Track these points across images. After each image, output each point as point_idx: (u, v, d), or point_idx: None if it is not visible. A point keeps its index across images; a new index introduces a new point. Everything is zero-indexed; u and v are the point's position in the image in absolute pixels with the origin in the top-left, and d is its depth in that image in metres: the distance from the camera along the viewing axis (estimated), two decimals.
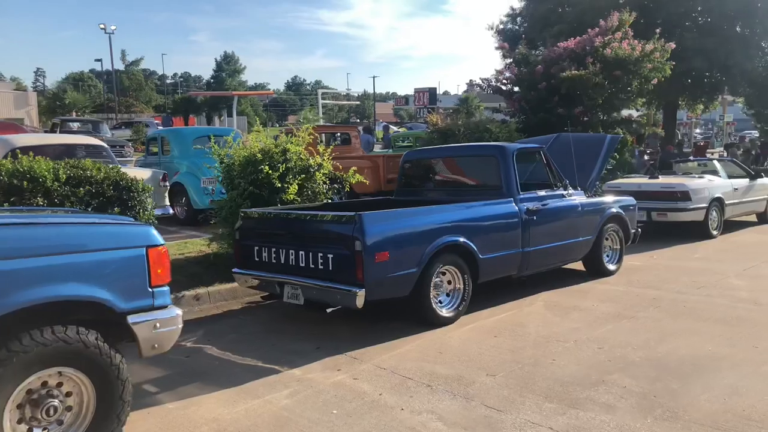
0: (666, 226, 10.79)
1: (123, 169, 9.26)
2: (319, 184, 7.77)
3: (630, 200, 8.24)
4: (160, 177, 9.19)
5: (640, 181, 11.01)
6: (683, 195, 10.25)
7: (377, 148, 18.78)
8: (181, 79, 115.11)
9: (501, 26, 25.68)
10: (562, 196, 7.09)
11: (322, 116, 31.29)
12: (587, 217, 7.35)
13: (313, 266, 5.52)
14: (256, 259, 6.10)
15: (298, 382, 4.52)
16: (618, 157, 12.84)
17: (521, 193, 6.63)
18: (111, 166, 6.42)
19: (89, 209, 5.98)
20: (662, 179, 10.87)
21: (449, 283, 5.95)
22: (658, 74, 12.47)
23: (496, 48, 12.76)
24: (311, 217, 5.64)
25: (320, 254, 5.44)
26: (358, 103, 40.47)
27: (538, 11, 19.80)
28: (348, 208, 6.57)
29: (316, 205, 7.00)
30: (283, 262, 5.80)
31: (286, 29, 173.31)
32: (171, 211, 9.19)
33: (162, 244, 3.57)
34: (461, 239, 5.83)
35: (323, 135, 14.19)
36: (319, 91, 34.61)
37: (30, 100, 32.74)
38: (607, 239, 7.87)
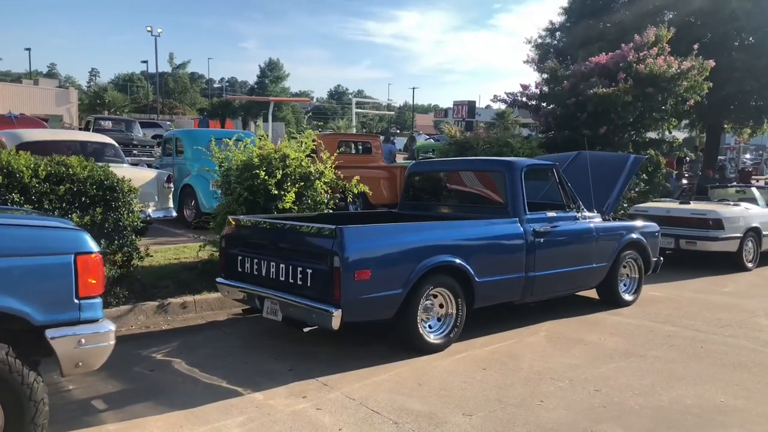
0: (695, 256, 10.12)
1: (128, 169, 9.13)
2: (319, 193, 7.42)
3: (652, 226, 7.66)
4: (165, 178, 8.97)
5: (669, 205, 10.36)
6: (715, 223, 9.58)
7: (400, 159, 18.37)
8: (227, 84, 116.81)
9: (539, 40, 25.14)
10: (575, 218, 6.58)
11: (354, 125, 31.03)
12: (602, 242, 6.81)
13: (292, 281, 5.15)
14: (239, 269, 5.75)
15: (257, 409, 4.13)
16: (646, 179, 12.19)
17: (529, 212, 6.15)
18: (100, 165, 6.15)
19: (71, 209, 5.73)
20: (694, 205, 10.21)
21: (441, 306, 5.51)
22: (695, 94, 11.80)
23: (525, 62, 12.27)
24: (291, 227, 5.28)
25: (299, 269, 5.07)
26: (392, 113, 40.00)
27: (577, 27, 19.19)
28: (341, 221, 6.20)
29: (308, 216, 6.63)
30: (264, 274, 5.45)
31: (333, 39, 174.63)
32: (174, 214, 8.95)
33: (94, 252, 3.24)
34: (455, 260, 5.39)
35: (341, 143, 13.90)
36: (354, 100, 34.26)
37: (71, 97, 33.39)
38: (624, 267, 7.31)
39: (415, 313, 5.17)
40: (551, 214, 6.38)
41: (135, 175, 8.82)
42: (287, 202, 6.94)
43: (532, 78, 12.81)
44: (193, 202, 10.74)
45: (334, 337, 5.57)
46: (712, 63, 12.17)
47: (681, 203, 10.44)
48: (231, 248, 5.91)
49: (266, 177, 6.87)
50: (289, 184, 7.07)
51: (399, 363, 5.04)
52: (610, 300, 7.14)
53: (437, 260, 5.25)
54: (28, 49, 52.07)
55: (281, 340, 5.65)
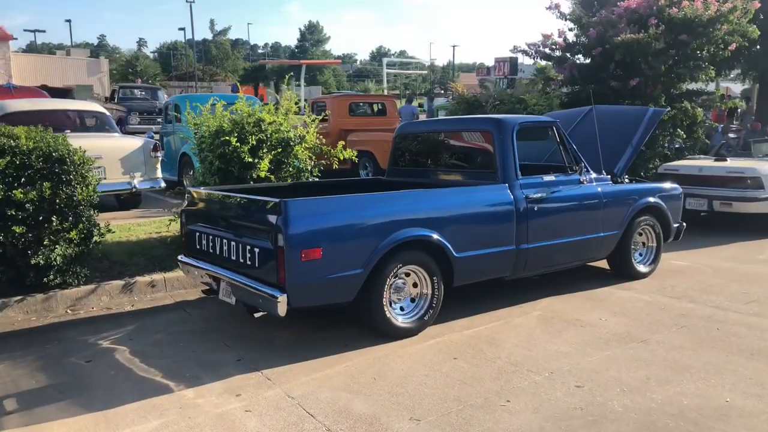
0: (731, 218, 9.17)
1: (112, 139, 8.71)
2: (301, 159, 6.83)
3: (672, 188, 6.81)
4: (151, 147, 8.51)
5: (702, 163, 9.38)
6: (754, 182, 8.60)
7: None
8: (270, 49, 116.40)
9: None
10: (578, 181, 5.82)
11: (385, 86, 30.11)
12: (611, 207, 6.04)
13: (242, 261, 4.61)
14: (197, 246, 5.26)
15: (179, 411, 3.64)
16: (684, 135, 11.14)
17: (521, 177, 5.44)
18: (56, 135, 5.67)
19: (14, 184, 5.30)
20: (730, 162, 9.20)
21: (415, 286, 4.89)
22: (738, 39, 10.62)
23: (547, 7, 11.23)
24: (238, 201, 4.72)
25: (248, 247, 4.52)
26: (425, 72, 38.60)
27: None
28: (309, 191, 5.63)
29: (273, 186, 6.04)
30: (218, 252, 4.93)
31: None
32: (163, 184, 8.54)
33: None
34: (429, 233, 4.74)
35: (352, 105, 13.25)
36: (384, 61, 33.18)
37: (102, 66, 33.45)
38: (640, 234, 6.53)
39: (380, 295, 4.57)
40: (549, 178, 5.65)
41: (119, 144, 8.44)
42: (262, 171, 6.38)
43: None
44: (192, 171, 10.30)
45: (302, 319, 5.06)
46: (756, 4, 10.90)
47: (716, 160, 9.43)
48: (190, 223, 5.41)
49: (238, 144, 6.32)
50: (265, 150, 6.50)
51: (361, 351, 4.48)
52: (623, 272, 6.39)
53: (406, 234, 4.62)
54: (69, 21, 52.35)
55: (244, 323, 5.14)
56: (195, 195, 5.37)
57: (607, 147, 6.54)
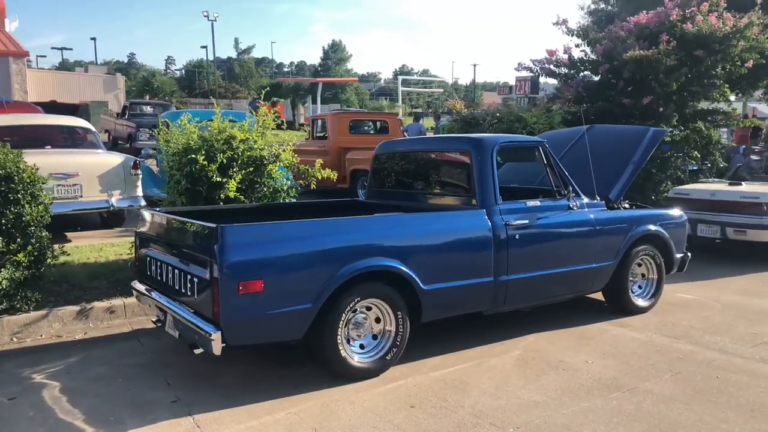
0: (746, 247, 8.56)
1: (91, 155, 8.41)
2: (275, 179, 6.42)
3: (675, 214, 6.27)
4: (131, 164, 8.19)
5: (715, 187, 8.79)
6: None
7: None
8: (296, 68, 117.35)
9: (592, 6, 23.18)
10: (567, 207, 5.33)
11: (401, 104, 29.75)
12: (605, 236, 5.52)
13: (183, 291, 4.20)
14: (148, 272, 4.87)
15: None
16: (698, 156, 10.56)
17: (501, 202, 4.96)
18: (3, 151, 5.34)
19: None
20: (746, 186, 8.60)
21: (378, 321, 4.43)
22: (755, 55, 10.04)
23: (554, 23, 10.74)
24: (181, 225, 4.31)
25: (188, 276, 4.11)
26: (440, 90, 38.20)
27: None
28: (274, 214, 5.21)
29: (238, 208, 5.63)
30: (164, 280, 4.53)
31: (399, 19, 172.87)
32: (143, 203, 8.19)
33: None
34: (392, 263, 4.28)
35: (353, 123, 12.88)
36: (399, 78, 32.82)
37: (118, 83, 33.67)
38: (639, 265, 5.99)
39: (334, 332, 4.11)
40: (533, 203, 5.16)
41: (97, 161, 8.15)
42: (231, 191, 5.97)
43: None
44: None
45: (260, 354, 4.62)
46: None
47: (731, 184, 8.84)
48: (143, 247, 5.02)
49: (206, 162, 5.94)
50: (235, 169, 6.11)
51: (311, 395, 4.02)
52: (619, 306, 5.85)
53: (366, 265, 4.17)
54: (94, 39, 53.03)
55: (196, 357, 4.68)
56: (146, 217, 4.98)
57: (603, 169, 6.05)
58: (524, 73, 11.99)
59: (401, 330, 4.41)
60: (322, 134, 12.66)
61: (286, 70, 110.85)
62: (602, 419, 3.67)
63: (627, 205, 6.48)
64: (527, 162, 6.02)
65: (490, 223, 4.81)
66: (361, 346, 4.36)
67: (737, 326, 5.51)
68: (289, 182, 6.63)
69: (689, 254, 6.30)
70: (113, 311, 5.76)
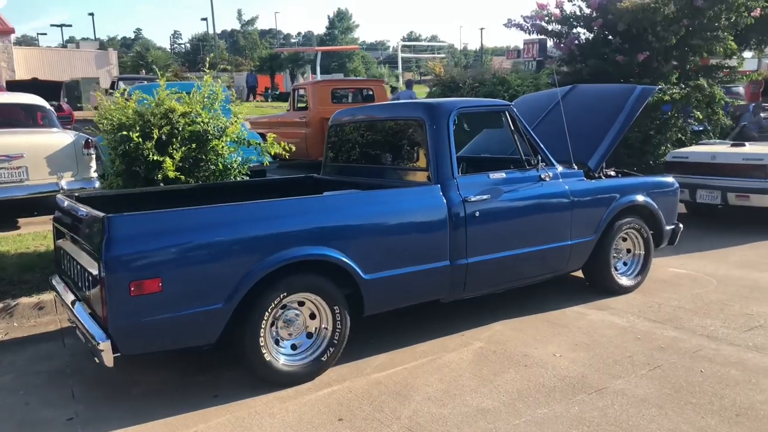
0: (750, 213, 7.91)
1: (39, 134, 7.86)
2: (222, 155, 5.84)
3: (665, 182, 5.64)
4: (83, 143, 7.63)
5: (716, 149, 8.09)
6: None
7: None
8: (304, 38, 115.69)
9: None
10: (537, 178, 4.72)
11: (400, 72, 28.81)
12: (583, 209, 4.92)
13: (84, 291, 3.68)
14: (62, 266, 4.35)
15: None
16: (700, 117, 9.83)
17: (460, 175, 4.37)
18: None
19: None
20: (749, 147, 7.91)
21: (313, 317, 3.89)
22: (762, 3, 9.22)
23: None
24: (77, 214, 3.77)
25: (86, 273, 3.58)
26: (442, 56, 36.89)
27: None
28: (218, 195, 4.67)
29: (173, 189, 5.07)
30: (72, 276, 4.01)
31: None
32: (97, 184, 7.67)
33: None
34: (324, 251, 3.72)
35: (335, 92, 12.21)
36: (399, 45, 31.69)
37: (111, 59, 32.98)
38: (624, 240, 5.40)
39: (256, 334, 3.58)
40: (497, 175, 4.55)
41: (44, 141, 7.61)
42: (169, 170, 5.41)
43: None
44: None
45: (185, 355, 4.11)
46: None
47: (733, 145, 8.14)
48: (58, 237, 4.50)
49: (140, 139, 5.38)
50: (176, 146, 5.54)
51: (229, 406, 3.50)
52: (601, 285, 5.28)
53: (291, 255, 3.61)
54: (92, 14, 51.75)
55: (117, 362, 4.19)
56: (60, 203, 4.44)
57: (583, 135, 5.44)
58: (530, 36, 10.96)
59: (339, 327, 3.87)
60: (303, 105, 12.02)
61: (293, 40, 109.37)
62: (558, 429, 3.12)
63: (613, 173, 5.87)
64: (502, 129, 5.41)
65: (444, 200, 4.23)
66: (293, 347, 3.83)
67: (732, 306, 4.91)
68: (241, 159, 6.05)
69: (681, 226, 5.68)
70: (42, 307, 5.26)
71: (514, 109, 4.74)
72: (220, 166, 5.90)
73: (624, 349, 4.11)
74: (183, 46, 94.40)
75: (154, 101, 5.64)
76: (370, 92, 12.25)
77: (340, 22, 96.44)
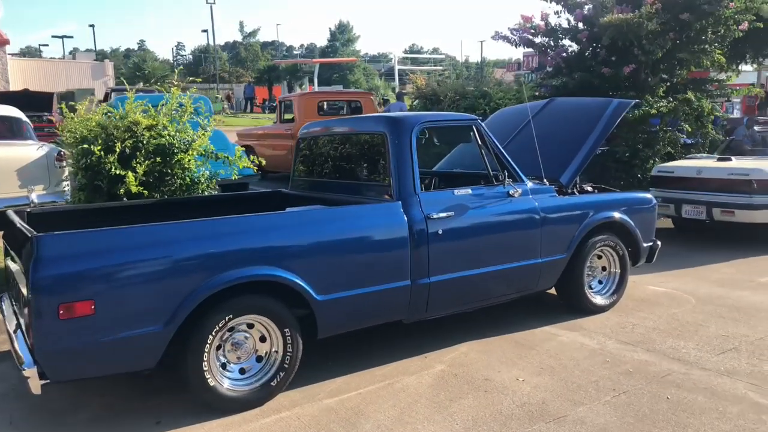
0: (736, 230, 7.76)
1: (13, 147, 7.74)
2: (189, 169, 5.71)
3: (642, 197, 5.50)
4: (55, 155, 7.51)
5: (702, 163, 7.95)
6: (761, 185, 7.17)
7: None
8: (306, 50, 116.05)
9: None
10: (506, 194, 4.57)
11: (396, 84, 28.71)
12: (554, 226, 4.77)
13: (21, 312, 3.52)
14: (9, 285, 4.20)
15: None
16: (689, 130, 9.70)
17: (423, 191, 4.23)
18: None
19: None
20: (735, 162, 7.76)
21: (263, 340, 3.73)
22: (750, 17, 9.12)
23: None
24: (19, 233, 3.62)
25: (21, 294, 3.43)
26: (440, 68, 36.77)
27: None
28: (185, 210, 4.54)
29: (132, 204, 4.93)
30: (16, 295, 3.86)
31: None
32: (68, 198, 7.53)
33: None
34: (273, 271, 3.57)
35: (322, 104, 12.11)
36: (395, 56, 31.60)
37: (107, 70, 32.99)
38: (600, 257, 5.24)
39: (199, 358, 3.42)
40: (462, 191, 4.40)
41: (14, 154, 7.48)
42: (132, 184, 5.28)
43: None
44: None
45: (137, 382, 3.94)
46: None
47: (719, 160, 8.00)
48: (6, 255, 4.35)
49: (102, 153, 5.25)
50: (140, 159, 5.41)
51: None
52: (574, 305, 5.12)
53: (237, 275, 3.46)
54: (92, 26, 51.99)
55: (55, 386, 4.03)
56: (9, 218, 4.29)
57: (557, 149, 5.31)
58: (516, 48, 10.82)
59: (290, 350, 3.71)
60: (290, 117, 11.91)
61: (296, 52, 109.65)
62: None
63: (590, 189, 5.73)
64: (436, 143, 5.31)
65: (406, 218, 4.07)
66: (242, 371, 3.67)
67: (708, 327, 4.75)
68: (209, 173, 5.93)
69: (659, 243, 5.52)
70: None
71: (482, 124, 4.59)
72: (188, 180, 5.78)
73: (590, 374, 3.95)
74: (185, 57, 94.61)
75: (118, 114, 5.52)
76: (358, 105, 12.13)
77: (342, 34, 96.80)
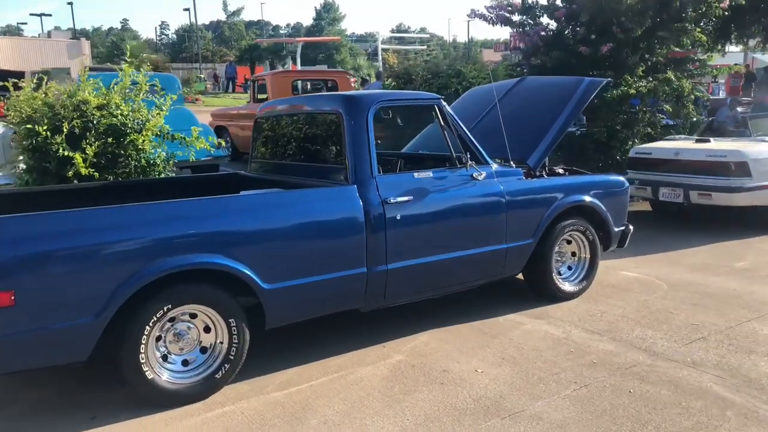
0: (713, 213, 7.63)
1: None
2: (144, 150, 5.46)
3: (614, 180, 5.32)
4: (10, 135, 7.20)
5: (680, 145, 7.80)
6: (739, 167, 7.02)
7: None
8: (293, 29, 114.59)
9: None
10: (469, 177, 4.37)
11: (379, 64, 28.25)
12: (520, 210, 4.58)
13: None
14: None
15: None
16: (669, 110, 9.54)
17: (380, 174, 4.02)
18: None
19: None
20: (714, 144, 7.60)
21: (207, 330, 3.53)
22: None
23: None
24: None
25: None
26: (423, 48, 36.32)
27: None
28: (138, 193, 4.30)
29: (78, 188, 4.68)
30: None
31: None
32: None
33: None
34: (215, 259, 3.36)
35: (296, 82, 11.82)
36: (379, 37, 31.06)
37: (84, 48, 32.17)
38: (569, 242, 5.07)
39: (135, 350, 3.21)
40: (423, 174, 4.20)
41: None
42: (81, 166, 5.02)
43: None
44: None
45: (73, 373, 3.73)
46: None
47: (698, 141, 7.84)
48: None
49: (48, 133, 4.98)
50: (90, 140, 5.15)
51: (108, 428, 3.15)
52: (541, 291, 4.95)
53: (175, 263, 3.25)
54: (71, 3, 50.86)
55: (15, 378, 3.81)
56: None
57: (526, 130, 5.10)
58: (494, 27, 10.57)
59: (236, 341, 3.51)
60: (263, 96, 11.62)
61: (282, 31, 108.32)
62: None
63: (561, 171, 5.56)
64: (396, 123, 5.10)
65: (361, 202, 3.87)
66: (185, 363, 3.47)
67: (678, 315, 4.60)
68: (165, 154, 5.68)
69: (631, 227, 5.36)
70: None
71: (444, 104, 4.38)
72: (143, 162, 5.53)
73: (552, 365, 3.79)
74: (169, 37, 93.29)
75: (66, 92, 5.25)
76: (335, 84, 11.84)
77: (327, 14, 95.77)
